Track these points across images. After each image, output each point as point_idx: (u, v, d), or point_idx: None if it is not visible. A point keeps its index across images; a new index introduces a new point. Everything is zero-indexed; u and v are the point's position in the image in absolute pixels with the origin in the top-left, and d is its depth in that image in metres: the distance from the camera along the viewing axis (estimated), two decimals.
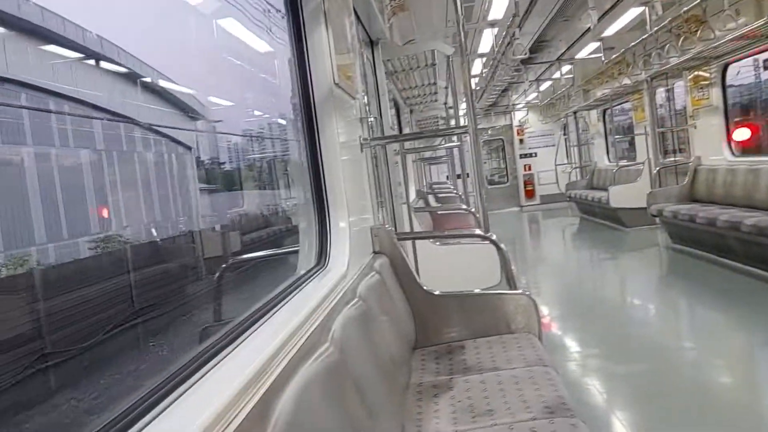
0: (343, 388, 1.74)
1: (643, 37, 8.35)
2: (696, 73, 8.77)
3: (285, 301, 2.04)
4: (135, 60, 8.84)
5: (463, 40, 3.55)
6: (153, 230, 9.30)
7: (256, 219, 10.79)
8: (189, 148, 11.27)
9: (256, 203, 12.03)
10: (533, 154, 18.00)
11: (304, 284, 2.32)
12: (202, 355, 1.43)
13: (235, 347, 1.55)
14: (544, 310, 6.01)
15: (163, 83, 9.73)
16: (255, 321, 1.77)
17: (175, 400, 1.20)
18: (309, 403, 1.44)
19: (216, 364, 1.42)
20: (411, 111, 10.92)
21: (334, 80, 2.89)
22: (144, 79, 9.03)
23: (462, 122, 7.64)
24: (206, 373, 1.36)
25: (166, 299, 5.61)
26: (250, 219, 10.71)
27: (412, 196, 8.07)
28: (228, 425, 1.13)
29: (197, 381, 1.31)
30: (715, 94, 8.47)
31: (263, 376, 1.38)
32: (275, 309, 1.93)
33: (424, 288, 3.47)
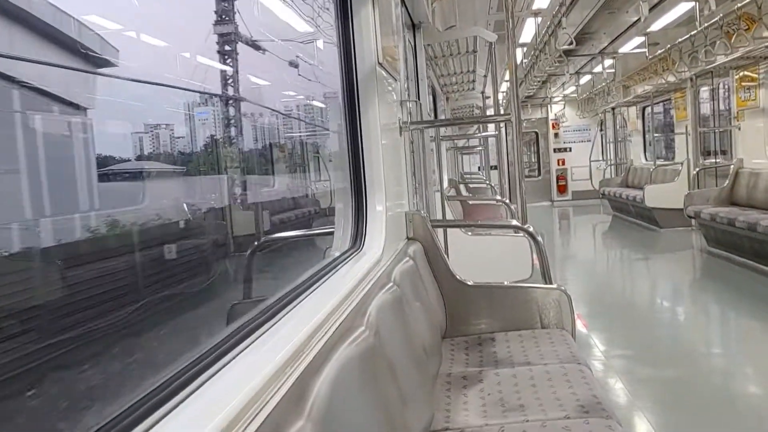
0: (377, 373, 1.70)
1: (692, 33, 8.13)
2: (743, 72, 8.53)
3: (320, 282, 2.01)
4: None
5: (511, 27, 3.46)
6: None
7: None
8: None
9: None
10: (568, 149, 17.74)
11: (339, 266, 2.28)
12: (237, 333, 1.41)
13: (271, 326, 1.52)
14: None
15: None
16: (291, 301, 1.74)
17: (211, 377, 1.18)
18: (345, 385, 1.40)
19: (252, 342, 1.39)
20: (447, 99, 10.82)
21: (378, 60, 2.84)
22: None
23: (501, 111, 7.53)
24: (242, 351, 1.33)
25: None
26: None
27: (445, 184, 8.00)
28: (265, 405, 1.10)
29: (233, 359, 1.28)
30: (763, 95, 8.23)
31: (299, 356, 1.34)
32: (311, 290, 1.90)
33: (457, 277, 3.41)
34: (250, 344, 1.38)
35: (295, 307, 1.71)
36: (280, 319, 1.59)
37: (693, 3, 7.73)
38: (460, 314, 3.42)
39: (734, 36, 7.30)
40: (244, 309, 2.84)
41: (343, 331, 1.64)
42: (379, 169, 2.81)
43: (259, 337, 1.43)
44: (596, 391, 2.44)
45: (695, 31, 8.02)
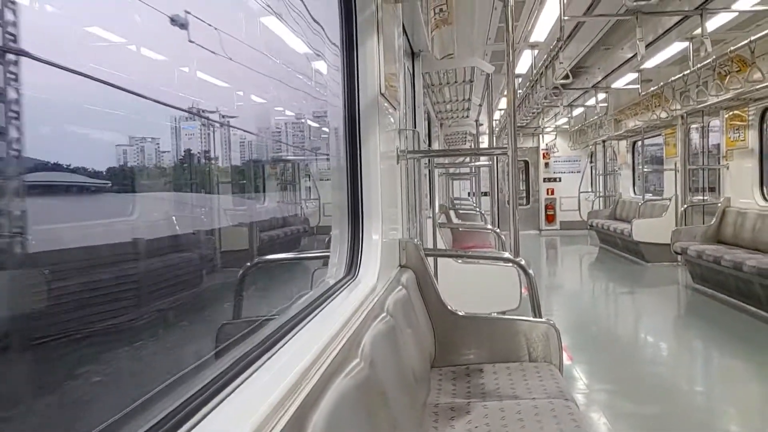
0: (371, 404, 1.71)
1: (685, 72, 8.27)
2: (734, 112, 8.67)
3: (316, 311, 2.01)
4: None
5: (511, 60, 3.51)
6: None
7: None
8: None
9: None
10: (557, 179, 17.89)
11: (335, 295, 2.29)
12: (235, 366, 1.41)
13: (268, 358, 1.53)
14: None
15: None
16: (287, 332, 1.74)
17: (210, 412, 1.18)
18: (342, 418, 1.41)
19: (249, 376, 1.39)
20: (441, 125, 10.89)
21: (380, 90, 2.87)
22: None
23: (494, 140, 7.58)
24: (240, 384, 1.33)
25: None
26: None
27: (436, 209, 8.04)
28: None
29: (233, 392, 1.28)
30: (752, 136, 8.36)
31: (297, 390, 1.35)
32: (307, 320, 1.90)
33: (448, 307, 3.43)
34: (247, 377, 1.38)
35: (292, 338, 1.71)
36: (277, 351, 1.59)
37: (687, 43, 7.87)
38: (448, 343, 3.42)
39: (727, 77, 7.44)
40: (233, 329, 2.83)
41: (339, 363, 1.65)
42: (377, 198, 2.83)
43: (257, 370, 1.43)
44: (583, 427, 2.45)
45: (688, 71, 8.16)
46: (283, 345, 1.64)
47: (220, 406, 1.21)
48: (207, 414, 1.16)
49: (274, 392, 1.25)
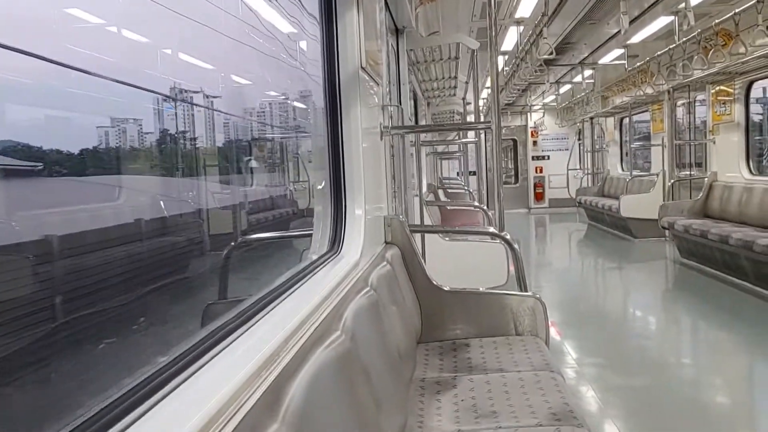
0: (352, 378, 1.70)
1: (671, 47, 8.25)
2: (719, 87, 8.68)
3: (298, 285, 2.00)
4: None
5: (494, 35, 3.48)
6: None
7: None
8: None
9: None
10: (546, 157, 17.91)
11: (316, 270, 2.28)
12: (213, 335, 1.40)
13: (247, 329, 1.52)
14: None
15: None
16: (268, 303, 1.73)
17: (185, 380, 1.17)
18: (320, 390, 1.40)
19: (227, 346, 1.38)
20: (428, 104, 10.86)
21: (360, 64, 2.84)
22: None
23: (482, 119, 7.57)
24: (217, 354, 1.33)
25: None
26: None
27: (424, 188, 8.03)
28: (240, 408, 1.10)
29: (209, 361, 1.28)
30: (738, 110, 8.38)
31: (275, 360, 1.34)
32: (288, 293, 1.89)
33: (434, 282, 3.43)
34: (225, 347, 1.37)
35: (271, 310, 1.70)
36: (256, 322, 1.58)
37: (672, 17, 7.85)
38: (435, 319, 3.43)
39: (711, 51, 7.43)
40: (219, 309, 2.82)
41: (319, 335, 1.64)
42: (359, 173, 2.81)
43: (235, 339, 1.43)
44: (568, 399, 2.46)
45: (674, 45, 8.15)
46: (263, 317, 1.63)
47: (197, 374, 1.21)
48: (182, 383, 1.15)
49: (251, 361, 1.24)
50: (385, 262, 2.93)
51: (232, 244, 3.48)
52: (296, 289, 1.97)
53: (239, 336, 1.45)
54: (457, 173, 18.25)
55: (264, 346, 1.34)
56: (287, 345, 1.44)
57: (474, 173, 13.09)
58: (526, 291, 3.51)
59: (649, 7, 7.51)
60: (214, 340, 1.37)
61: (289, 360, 1.37)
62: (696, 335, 6.09)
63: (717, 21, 6.98)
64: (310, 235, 2.89)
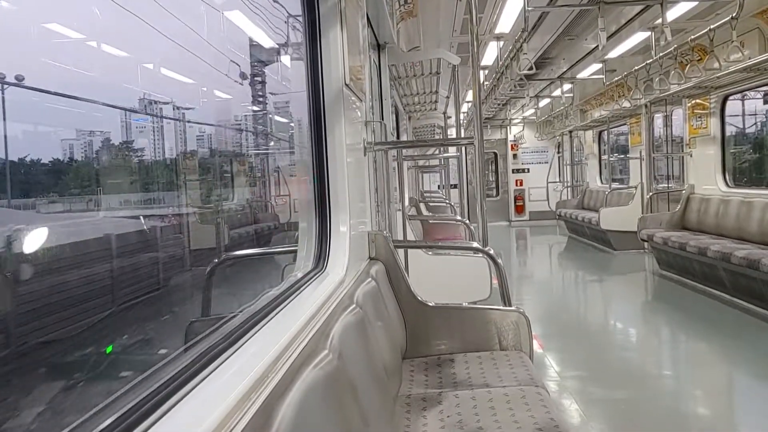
0: (341, 396, 1.70)
1: (648, 61, 8.39)
2: (696, 101, 8.83)
3: (284, 304, 2.00)
4: None
5: (475, 51, 3.52)
6: None
7: None
8: None
9: None
10: (526, 170, 18.04)
11: (303, 287, 2.27)
12: (201, 358, 1.39)
13: (236, 350, 1.51)
14: None
15: None
16: (255, 323, 1.72)
17: (176, 404, 1.16)
18: (310, 410, 1.40)
19: (216, 368, 1.37)
20: (409, 118, 10.90)
21: (345, 81, 2.85)
22: None
23: (462, 133, 7.61)
24: (207, 376, 1.32)
25: None
26: None
27: (406, 203, 8.06)
28: (231, 431, 1.09)
29: (198, 384, 1.26)
30: (714, 124, 8.52)
31: (265, 381, 1.33)
32: (275, 312, 1.89)
33: (418, 298, 3.43)
34: (215, 369, 1.36)
35: (260, 330, 1.69)
36: (244, 343, 1.57)
37: (649, 33, 7.98)
38: (420, 335, 3.43)
39: (687, 66, 7.56)
40: (202, 326, 2.80)
41: (307, 355, 1.64)
42: (343, 190, 2.82)
43: (224, 361, 1.42)
44: (554, 413, 2.47)
45: (651, 60, 8.28)
46: (250, 337, 1.63)
47: (186, 398, 1.19)
48: (172, 406, 1.14)
49: (241, 383, 1.24)
50: (369, 279, 2.93)
51: (216, 261, 3.44)
52: (283, 307, 1.96)
53: (228, 357, 1.44)
54: (438, 186, 18.32)
55: (253, 367, 1.34)
56: (276, 365, 1.43)
57: (455, 186, 13.15)
58: (509, 305, 3.53)
59: (626, 23, 7.64)
60: (203, 362, 1.36)
61: (278, 381, 1.37)
62: (676, 346, 6.15)
63: (693, 37, 7.11)
64: (295, 251, 2.88)
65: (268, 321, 1.79)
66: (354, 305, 2.38)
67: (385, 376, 2.49)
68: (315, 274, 2.55)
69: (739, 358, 5.33)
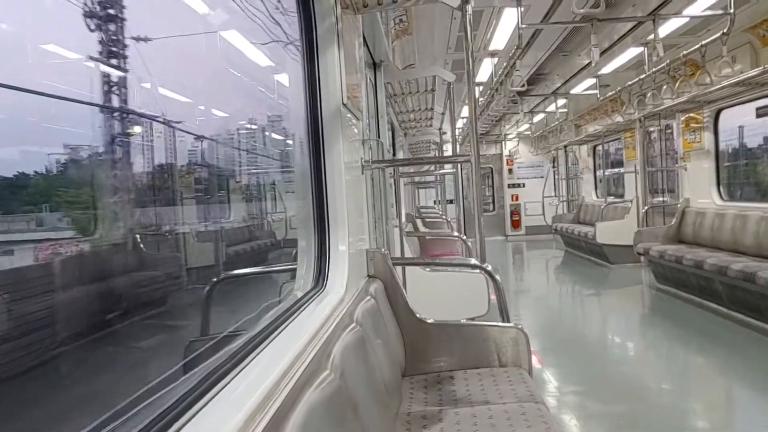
0: (343, 416, 1.70)
1: (641, 77, 8.46)
2: (689, 115, 8.89)
3: (286, 324, 2.00)
4: None
5: (471, 68, 3.55)
6: None
7: None
8: None
9: None
10: (521, 185, 18.11)
11: (303, 307, 2.28)
12: (206, 380, 1.39)
13: (239, 371, 1.51)
14: None
15: None
16: (257, 345, 1.73)
17: (182, 427, 1.16)
18: (314, 431, 1.40)
19: (220, 390, 1.38)
20: (405, 134, 10.95)
21: (342, 100, 2.88)
22: None
23: (458, 148, 7.65)
24: (211, 399, 1.32)
25: None
26: None
27: (403, 219, 8.07)
28: None
29: (203, 407, 1.27)
30: (707, 137, 8.58)
31: (269, 402, 1.34)
32: (277, 332, 1.89)
33: (417, 315, 3.44)
34: (217, 393, 1.36)
35: (261, 351, 1.70)
36: (247, 364, 1.58)
37: (642, 49, 8.06)
38: (419, 352, 3.43)
39: (680, 81, 7.63)
40: (201, 346, 2.80)
41: (309, 375, 1.64)
42: (342, 208, 2.83)
43: (226, 385, 1.42)
44: (554, 430, 2.48)
45: (644, 75, 8.35)
46: (253, 359, 1.63)
47: (191, 422, 1.20)
48: (179, 430, 1.14)
49: (244, 407, 1.24)
50: (369, 296, 2.94)
51: (215, 279, 3.44)
52: (285, 327, 1.97)
53: (231, 379, 1.45)
54: (434, 202, 18.35)
55: (257, 389, 1.34)
56: (279, 386, 1.44)
57: (451, 201, 13.17)
58: (508, 321, 3.53)
59: (619, 39, 7.72)
60: (206, 386, 1.36)
61: (281, 402, 1.37)
62: (674, 360, 6.15)
63: (685, 52, 7.18)
64: (292, 269, 2.89)
65: (271, 341, 1.80)
66: (354, 324, 2.39)
67: (386, 394, 2.49)
68: (315, 293, 2.56)
69: (737, 371, 5.34)
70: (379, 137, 5.08)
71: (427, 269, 5.17)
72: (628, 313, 8.21)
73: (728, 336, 6.31)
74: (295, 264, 2.88)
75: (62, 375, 4.08)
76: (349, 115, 3.11)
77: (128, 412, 1.17)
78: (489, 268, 3.59)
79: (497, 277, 3.60)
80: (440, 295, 4.98)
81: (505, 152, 18.30)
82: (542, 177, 17.74)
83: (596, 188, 14.19)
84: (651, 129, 10.67)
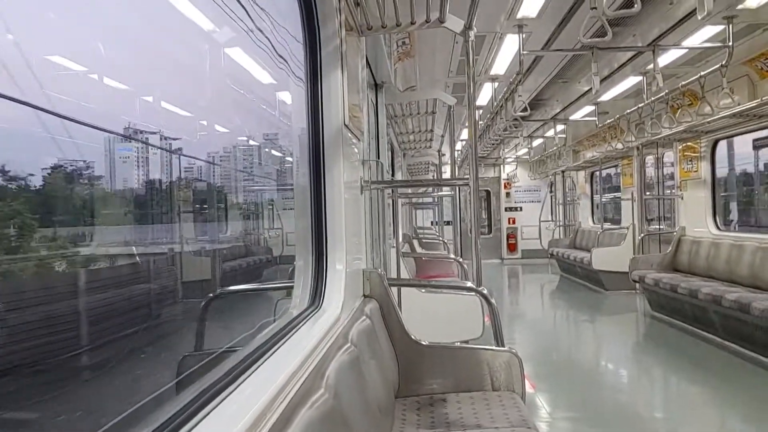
0: None
1: (640, 105, 8.53)
2: (686, 144, 8.96)
3: (281, 342, 2.01)
4: None
5: (472, 92, 3.59)
6: None
7: None
8: None
9: None
10: (519, 209, 18.16)
11: (299, 326, 2.29)
12: (200, 398, 1.40)
13: (234, 389, 1.52)
14: None
15: None
16: (252, 363, 1.73)
17: None
18: None
19: (213, 409, 1.38)
20: (404, 155, 11.00)
21: (344, 120, 2.91)
22: None
23: (457, 171, 7.68)
24: (204, 417, 1.32)
25: None
26: None
27: (400, 240, 8.09)
28: None
29: (196, 425, 1.27)
30: (704, 167, 8.65)
31: (262, 422, 1.34)
32: (271, 351, 1.90)
33: (412, 337, 3.44)
34: (211, 410, 1.37)
35: (257, 368, 1.70)
36: (242, 382, 1.58)
37: (641, 77, 8.14)
38: (412, 373, 3.43)
39: (678, 110, 7.70)
40: (195, 361, 2.80)
41: (303, 394, 1.64)
42: (340, 227, 2.85)
43: (221, 402, 1.43)
44: None
45: (643, 104, 8.43)
46: (248, 377, 1.63)
47: None
48: None
49: (238, 425, 1.25)
50: (364, 317, 2.94)
51: (210, 295, 3.45)
52: (280, 346, 1.97)
53: (226, 397, 1.45)
54: (431, 223, 18.37)
55: (251, 407, 1.34)
56: (273, 406, 1.44)
57: (449, 223, 13.18)
58: (502, 345, 3.53)
59: (618, 67, 7.80)
60: (200, 404, 1.37)
61: (275, 421, 1.38)
62: (667, 388, 6.14)
63: (684, 82, 7.25)
64: (288, 287, 2.90)
65: (266, 359, 1.80)
66: (349, 344, 2.40)
67: (379, 415, 2.49)
68: (311, 312, 2.56)
69: (730, 401, 5.33)
70: (378, 158, 5.11)
71: (423, 291, 5.17)
72: (622, 340, 8.20)
73: (722, 366, 6.31)
74: (290, 282, 2.90)
75: None
76: (350, 136, 3.14)
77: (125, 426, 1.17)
78: (485, 291, 3.60)
79: (492, 300, 3.61)
80: (435, 317, 4.98)
81: (503, 176, 18.38)
82: (539, 201, 17.81)
83: (593, 214, 14.24)
84: (648, 157, 10.74)
